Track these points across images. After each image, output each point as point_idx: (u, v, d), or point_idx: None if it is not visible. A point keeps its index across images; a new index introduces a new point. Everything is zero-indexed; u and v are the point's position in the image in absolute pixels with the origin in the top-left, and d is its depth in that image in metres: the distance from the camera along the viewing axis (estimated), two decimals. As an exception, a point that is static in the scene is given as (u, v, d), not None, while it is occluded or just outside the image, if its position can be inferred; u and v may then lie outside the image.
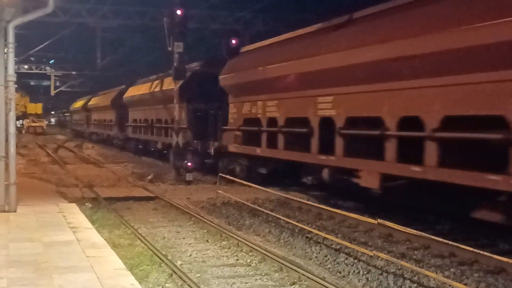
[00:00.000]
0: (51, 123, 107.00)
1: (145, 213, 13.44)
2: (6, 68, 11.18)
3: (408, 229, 9.16)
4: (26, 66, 56.15)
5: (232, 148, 17.56)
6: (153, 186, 18.12)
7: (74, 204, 12.55)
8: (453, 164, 9.29)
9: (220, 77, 18.28)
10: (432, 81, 9.58)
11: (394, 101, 10.65)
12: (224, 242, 10.27)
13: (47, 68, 61.26)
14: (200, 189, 17.42)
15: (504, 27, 8.02)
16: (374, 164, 11.22)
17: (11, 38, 11.07)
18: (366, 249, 9.30)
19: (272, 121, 15.39)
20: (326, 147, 12.78)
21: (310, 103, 13.42)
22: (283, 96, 14.77)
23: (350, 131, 12.06)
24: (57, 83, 64.13)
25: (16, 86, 11.28)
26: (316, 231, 10.67)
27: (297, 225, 11.26)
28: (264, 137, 15.81)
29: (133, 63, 47.86)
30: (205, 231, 11.31)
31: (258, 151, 15.83)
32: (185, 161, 18.99)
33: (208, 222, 11.88)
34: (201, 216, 12.58)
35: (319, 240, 10.45)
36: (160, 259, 8.69)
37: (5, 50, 11.23)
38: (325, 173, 13.20)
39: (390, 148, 10.68)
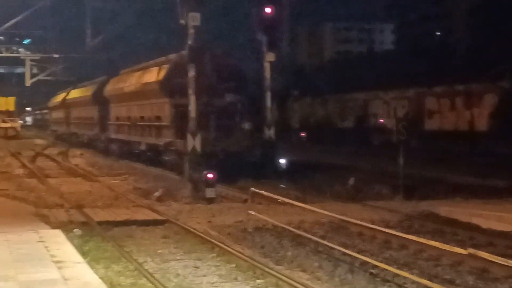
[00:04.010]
0: (27, 123, 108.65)
1: (153, 243, 13.55)
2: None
3: (511, 261, 9.03)
4: (-7, 48, 57.16)
5: (113, 135, 37.96)
6: (163, 205, 18.26)
7: (59, 231, 12.73)
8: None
9: (105, 89, 38.38)
10: (136, 102, 32.57)
11: (131, 109, 33.76)
12: (258, 281, 10.28)
13: (21, 50, 62.01)
14: (225, 209, 17.47)
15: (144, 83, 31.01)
16: (140, 138, 31.76)
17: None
18: (452, 289, 9.23)
19: (122, 118, 35.51)
20: (136, 131, 32.41)
21: (127, 109, 34.25)
22: (124, 105, 35.02)
23: (126, 122, 34.13)
24: (34, 70, 64.87)
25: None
26: (383, 265, 10.62)
27: (357, 257, 11.22)
28: (123, 128, 35.74)
29: (132, 42, 48.45)
30: (233, 265, 11.33)
31: (121, 136, 35.59)
32: (205, 172, 19.00)
33: (236, 253, 11.92)
34: (227, 246, 12.62)
35: (388, 278, 10.40)
36: (174, 304, 8.75)
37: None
38: (139, 145, 32.34)
39: (134, 129, 33.00)
